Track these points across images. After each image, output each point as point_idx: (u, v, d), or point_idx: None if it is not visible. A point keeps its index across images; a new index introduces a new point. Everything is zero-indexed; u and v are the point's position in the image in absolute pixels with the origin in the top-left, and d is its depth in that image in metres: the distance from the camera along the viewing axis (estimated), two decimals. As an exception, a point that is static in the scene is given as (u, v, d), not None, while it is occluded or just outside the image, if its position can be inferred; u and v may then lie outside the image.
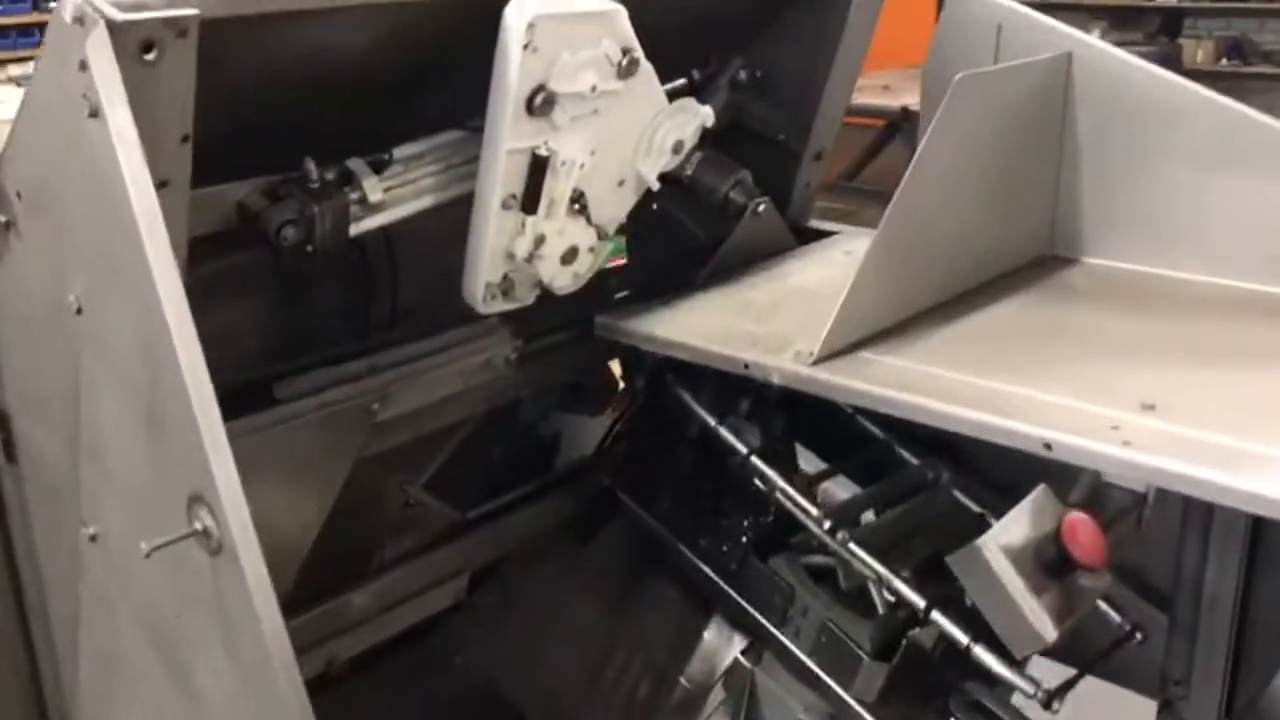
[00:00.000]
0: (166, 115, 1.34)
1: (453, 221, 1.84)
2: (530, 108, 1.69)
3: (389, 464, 1.91)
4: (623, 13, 1.72)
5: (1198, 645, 1.87)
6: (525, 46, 1.63)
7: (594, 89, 1.75)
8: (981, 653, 1.60)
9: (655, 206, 1.99)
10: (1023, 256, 2.05)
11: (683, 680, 2.16)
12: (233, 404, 1.67)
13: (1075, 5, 10.30)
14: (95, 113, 1.26)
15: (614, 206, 1.92)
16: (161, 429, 1.37)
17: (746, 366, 1.73)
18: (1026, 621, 1.37)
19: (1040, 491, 1.47)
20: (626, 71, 1.76)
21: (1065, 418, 1.48)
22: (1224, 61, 9.81)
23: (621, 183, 1.91)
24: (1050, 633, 1.37)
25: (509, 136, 1.71)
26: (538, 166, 1.76)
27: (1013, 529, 1.40)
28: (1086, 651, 1.81)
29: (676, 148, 1.94)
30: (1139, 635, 1.79)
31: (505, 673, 2.21)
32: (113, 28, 1.23)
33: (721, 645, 2.13)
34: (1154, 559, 1.90)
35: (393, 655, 2.07)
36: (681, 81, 2.10)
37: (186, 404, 1.26)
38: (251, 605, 1.29)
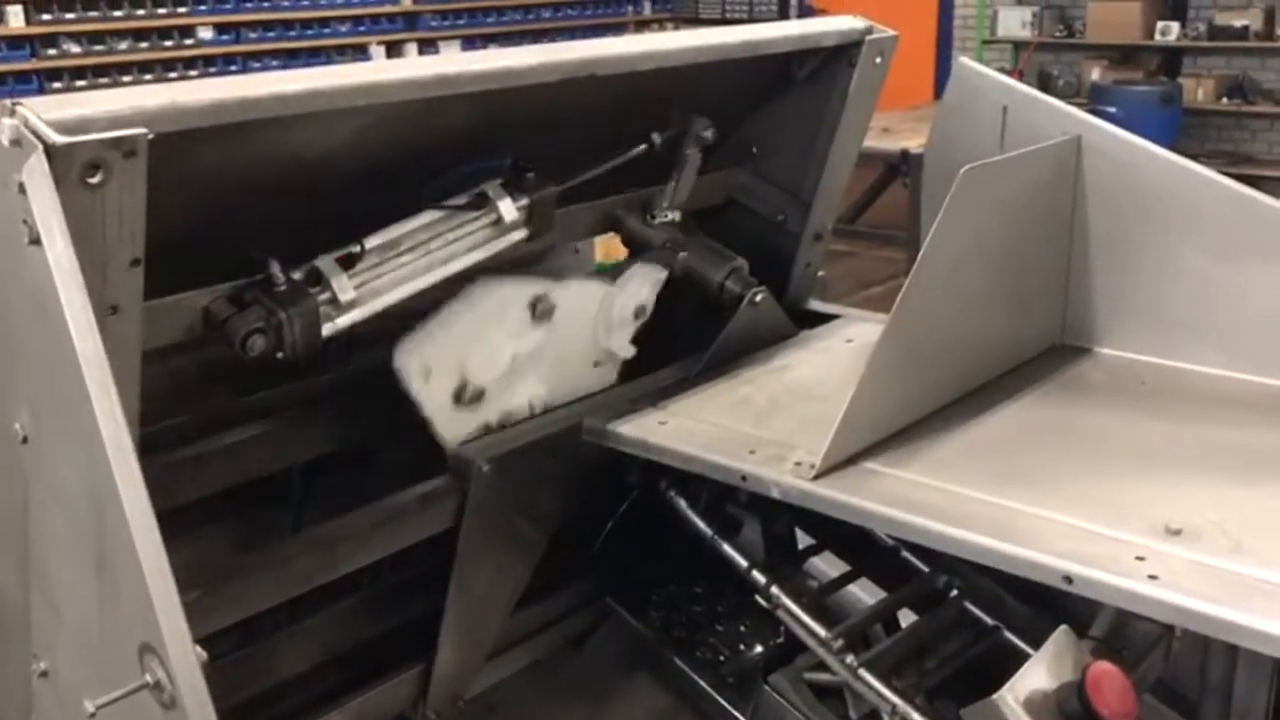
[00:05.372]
0: (116, 238, 1.25)
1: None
2: (459, 399, 1.73)
3: None
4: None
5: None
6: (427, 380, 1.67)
7: (514, 358, 1.75)
8: None
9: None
10: (1034, 348, 1.95)
11: None
12: None
13: (1077, 45, 10.28)
14: (36, 239, 1.17)
15: (598, 379, 1.88)
16: (112, 573, 1.27)
17: (744, 479, 1.63)
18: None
19: (1061, 634, 1.36)
20: (543, 316, 1.76)
21: (1086, 544, 1.38)
22: (1225, 100, 9.75)
23: (597, 363, 1.88)
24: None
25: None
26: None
27: (1033, 678, 1.30)
28: None
29: (639, 312, 1.91)
30: None
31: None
32: (51, 152, 1.14)
33: None
34: (1179, 665, 1.79)
35: None
36: (642, 147, 1.99)
37: (133, 554, 1.16)
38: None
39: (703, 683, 1.91)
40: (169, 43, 8.67)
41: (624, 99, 1.67)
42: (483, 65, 1.58)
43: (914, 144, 8.44)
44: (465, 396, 1.70)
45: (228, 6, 8.89)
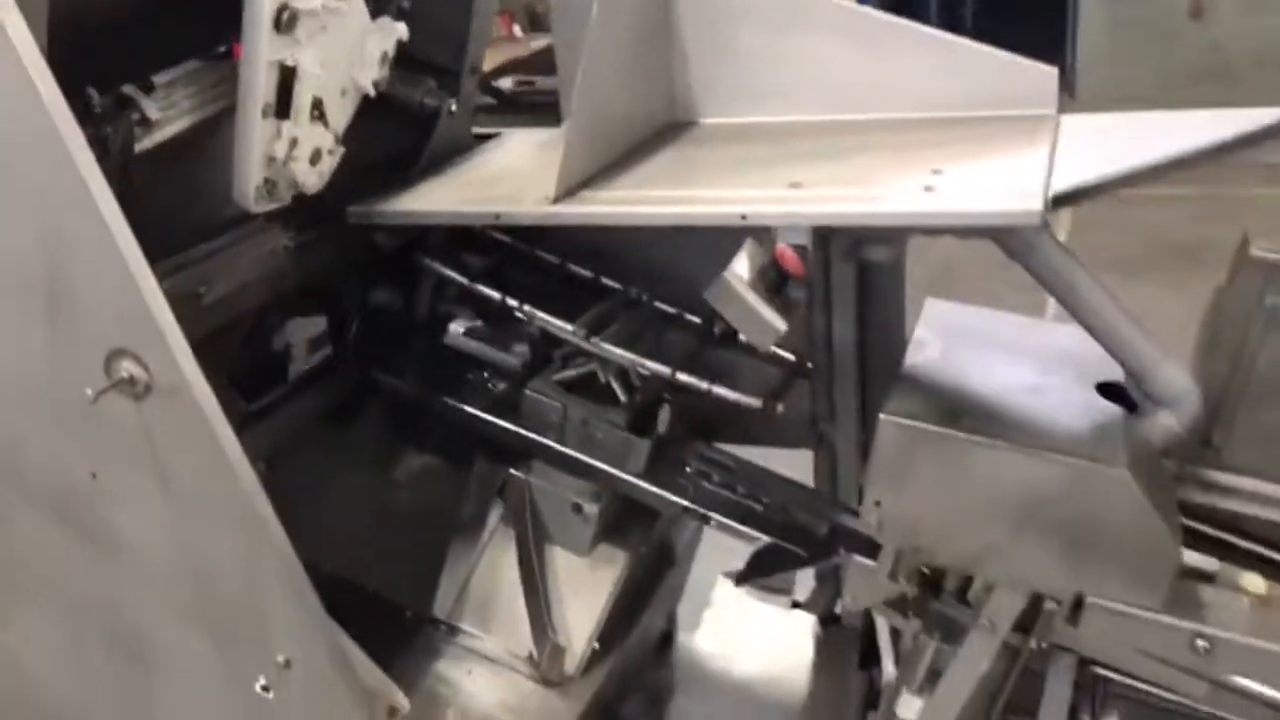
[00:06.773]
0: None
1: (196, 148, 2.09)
2: (278, 25, 2.00)
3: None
4: None
5: (835, 383, 2.51)
6: None
7: (323, 6, 2.08)
8: (721, 391, 2.13)
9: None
10: (658, 123, 2.60)
11: (464, 509, 2.50)
12: None
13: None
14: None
15: (342, 113, 2.25)
16: (69, 306, 1.54)
17: (498, 217, 2.13)
18: (765, 320, 1.90)
19: (749, 243, 2.02)
20: None
21: (746, 202, 2.03)
22: None
23: (344, 92, 2.24)
24: (781, 325, 1.91)
25: (265, 51, 2.00)
26: (287, 76, 2.06)
27: (744, 264, 1.93)
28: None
29: (383, 59, 2.30)
30: (809, 364, 2.38)
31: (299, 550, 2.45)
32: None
33: (492, 472, 2.51)
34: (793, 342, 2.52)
35: None
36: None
37: (114, 252, 1.46)
38: (205, 421, 1.52)
39: (474, 410, 2.40)
40: None
41: None
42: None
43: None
44: (284, 18, 1.98)
45: None
